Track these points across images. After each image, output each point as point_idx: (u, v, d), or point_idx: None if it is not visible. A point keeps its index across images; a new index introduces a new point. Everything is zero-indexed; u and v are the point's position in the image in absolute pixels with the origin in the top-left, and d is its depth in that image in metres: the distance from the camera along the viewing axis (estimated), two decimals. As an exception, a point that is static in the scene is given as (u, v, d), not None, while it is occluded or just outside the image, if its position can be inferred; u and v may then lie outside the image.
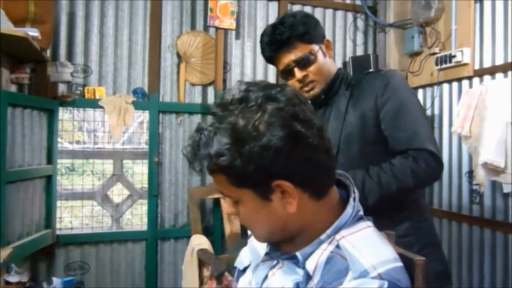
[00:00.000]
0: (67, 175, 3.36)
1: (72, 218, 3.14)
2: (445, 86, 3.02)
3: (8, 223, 2.20)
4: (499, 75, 2.59)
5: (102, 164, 3.33)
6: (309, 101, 1.49)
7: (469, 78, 2.79)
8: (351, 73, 3.35)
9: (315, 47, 1.43)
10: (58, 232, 2.78)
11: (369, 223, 0.83)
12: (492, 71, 2.63)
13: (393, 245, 1.02)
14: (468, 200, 2.81)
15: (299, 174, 0.75)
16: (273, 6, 3.35)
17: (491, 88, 2.42)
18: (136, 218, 3.35)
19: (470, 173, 2.77)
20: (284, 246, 0.86)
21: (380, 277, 0.70)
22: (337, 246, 0.77)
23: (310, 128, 0.75)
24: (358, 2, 3.53)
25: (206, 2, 3.08)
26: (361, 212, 0.84)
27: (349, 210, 0.81)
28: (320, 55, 1.44)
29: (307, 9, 3.44)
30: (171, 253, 3.06)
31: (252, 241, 1.00)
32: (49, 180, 2.66)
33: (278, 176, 0.73)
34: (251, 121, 0.72)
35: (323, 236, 0.79)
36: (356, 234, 0.79)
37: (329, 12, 3.51)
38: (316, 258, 0.78)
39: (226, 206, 0.85)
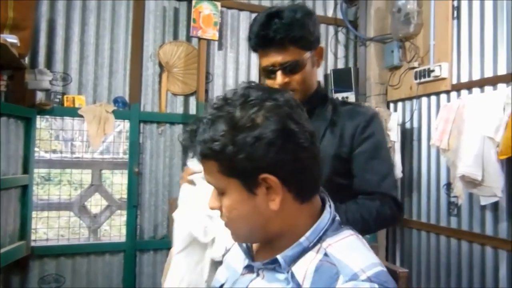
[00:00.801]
0: (42, 185, 3.27)
1: (48, 229, 3.04)
2: (424, 99, 3.08)
3: (-20, 235, 2.13)
4: (476, 90, 2.66)
5: (81, 174, 3.26)
6: None
7: (447, 92, 2.86)
8: (333, 85, 3.42)
9: (307, 55, 1.31)
10: (33, 244, 2.69)
11: (351, 231, 0.84)
12: (469, 86, 2.71)
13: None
14: (446, 212, 2.86)
15: (286, 172, 0.77)
16: (256, 18, 3.37)
17: (468, 103, 2.49)
18: (114, 229, 3.29)
19: (448, 186, 2.82)
20: (264, 255, 0.87)
21: (369, 279, 0.72)
22: (325, 254, 0.78)
23: (303, 131, 0.78)
24: (340, 16, 3.59)
25: (189, 12, 3.09)
26: (338, 218, 0.86)
27: (326, 214, 0.83)
28: (309, 64, 1.33)
29: (290, 21, 3.48)
30: (150, 265, 3.00)
31: (227, 258, 1.00)
32: (25, 190, 2.59)
33: (266, 169, 0.75)
34: (249, 113, 0.75)
35: (302, 239, 0.80)
36: (342, 241, 0.80)
37: (311, 25, 3.56)
38: (305, 268, 0.78)
39: (211, 200, 0.85)
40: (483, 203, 2.45)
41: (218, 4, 3.09)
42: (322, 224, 0.82)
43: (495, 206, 2.48)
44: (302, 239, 0.80)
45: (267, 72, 1.33)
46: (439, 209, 2.91)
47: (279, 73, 1.30)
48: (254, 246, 0.94)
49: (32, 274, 2.69)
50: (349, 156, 1.34)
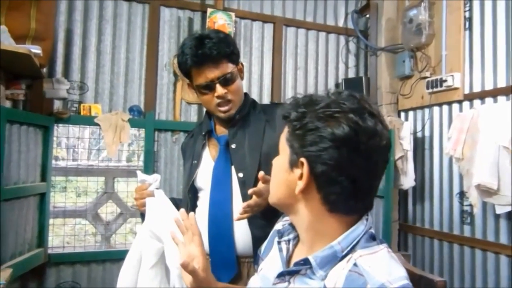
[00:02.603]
0: (57, 192, 3.29)
1: (63, 236, 3.06)
2: (436, 109, 3.11)
3: (2, 242, 2.15)
4: (489, 100, 2.69)
5: (97, 182, 3.29)
6: (223, 120, 1.53)
7: (459, 102, 2.89)
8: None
9: (235, 68, 1.49)
10: (49, 251, 2.71)
11: (382, 246, 0.86)
12: (481, 95, 2.73)
13: (410, 267, 1.04)
14: (459, 220, 2.87)
15: (321, 173, 0.81)
16: (269, 28, 3.42)
17: (483, 112, 2.51)
18: (128, 237, 3.30)
19: (461, 194, 2.84)
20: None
21: None
22: (355, 264, 0.80)
23: (363, 157, 0.81)
24: (350, 26, 3.63)
25: (204, 22, 3.14)
26: (372, 231, 0.88)
27: (361, 226, 0.85)
28: (238, 77, 1.51)
29: (301, 31, 3.53)
30: (164, 272, 3.01)
31: (263, 270, 1.02)
32: (43, 198, 2.62)
33: (308, 157, 0.82)
34: (330, 109, 0.81)
35: (334, 243, 0.83)
36: (373, 255, 0.82)
37: (322, 35, 3.60)
38: (335, 277, 0.81)
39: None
40: (498, 212, 2.47)
41: (232, 14, 3.14)
42: (355, 234, 0.84)
43: (509, 214, 2.50)
44: (333, 242, 0.83)
45: (206, 87, 1.46)
46: (452, 218, 2.93)
47: (218, 86, 1.44)
48: (294, 256, 0.97)
49: (48, 281, 2.71)
50: None
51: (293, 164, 0.85)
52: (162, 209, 1.41)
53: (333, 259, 0.83)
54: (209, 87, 1.45)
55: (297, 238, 0.97)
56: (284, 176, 0.88)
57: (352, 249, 0.83)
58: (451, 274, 2.90)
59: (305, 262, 0.85)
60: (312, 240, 0.88)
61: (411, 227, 3.27)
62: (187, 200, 1.59)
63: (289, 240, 0.98)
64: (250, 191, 1.25)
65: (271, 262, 1.00)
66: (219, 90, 1.44)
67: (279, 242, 0.99)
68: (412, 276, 0.97)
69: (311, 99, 0.86)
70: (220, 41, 1.43)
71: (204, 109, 3.19)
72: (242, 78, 1.55)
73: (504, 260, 2.54)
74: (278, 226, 1.05)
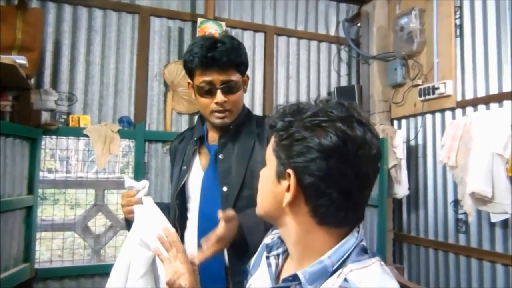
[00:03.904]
0: (44, 206, 3.23)
1: (51, 250, 2.99)
2: (428, 116, 3.09)
3: (-15, 258, 2.09)
4: (481, 107, 2.67)
5: (86, 194, 3.23)
6: (217, 127, 1.49)
7: (452, 109, 2.87)
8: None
9: (241, 78, 1.45)
10: (36, 266, 2.65)
11: (373, 259, 0.82)
12: (474, 103, 2.72)
13: (404, 280, 1.01)
14: (454, 229, 2.84)
15: (309, 184, 0.77)
16: (260, 37, 3.40)
17: (475, 120, 2.49)
18: (118, 250, 3.23)
19: (456, 202, 2.81)
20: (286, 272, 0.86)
21: None
22: (345, 280, 0.76)
23: (352, 168, 0.76)
24: (342, 35, 3.62)
25: (194, 32, 3.12)
26: (364, 243, 0.84)
27: (351, 239, 0.81)
28: (241, 88, 1.47)
29: (293, 40, 3.52)
30: (155, 286, 2.95)
31: (251, 285, 0.98)
32: (29, 211, 2.56)
33: (295, 169, 0.78)
34: (318, 118, 0.77)
35: (324, 257, 0.79)
36: (364, 270, 0.78)
37: (314, 43, 3.59)
38: None
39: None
40: (493, 220, 2.44)
41: (223, 23, 3.13)
42: (346, 247, 0.80)
43: (505, 223, 2.47)
44: (323, 257, 0.79)
45: (206, 90, 1.42)
46: (447, 226, 2.89)
47: (219, 92, 1.40)
48: (283, 271, 0.93)
49: (35, 297, 2.64)
50: None
51: (280, 175, 0.81)
52: (151, 217, 1.36)
53: (323, 275, 0.79)
54: (209, 91, 1.41)
55: (286, 252, 0.93)
56: (271, 188, 0.84)
57: (342, 264, 0.79)
58: (447, 284, 2.85)
59: (294, 278, 0.81)
60: (301, 254, 0.84)
61: (406, 237, 3.23)
62: (174, 206, 1.54)
63: (278, 255, 0.94)
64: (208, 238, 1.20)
65: (260, 278, 0.96)
66: (219, 97, 1.40)
67: (267, 257, 0.95)
68: (404, 290, 0.93)
69: (298, 107, 0.82)
70: (232, 48, 1.40)
71: (195, 119, 3.18)
72: (245, 91, 1.51)
73: (500, 269, 2.51)
74: (267, 240, 1.01)
